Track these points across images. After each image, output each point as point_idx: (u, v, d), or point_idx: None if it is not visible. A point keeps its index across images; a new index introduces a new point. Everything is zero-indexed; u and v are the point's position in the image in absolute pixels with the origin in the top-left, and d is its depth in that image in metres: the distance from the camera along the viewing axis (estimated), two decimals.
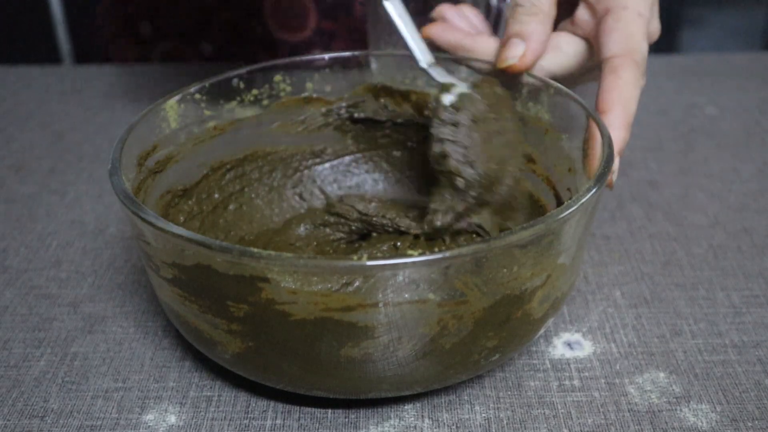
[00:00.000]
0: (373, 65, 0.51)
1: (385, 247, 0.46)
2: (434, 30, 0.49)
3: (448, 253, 0.31)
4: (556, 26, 0.48)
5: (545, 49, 0.46)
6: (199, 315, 0.36)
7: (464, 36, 0.48)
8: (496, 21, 0.58)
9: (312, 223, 0.49)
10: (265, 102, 0.50)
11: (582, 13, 0.47)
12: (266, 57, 0.74)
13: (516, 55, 0.44)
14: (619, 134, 0.41)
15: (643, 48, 0.44)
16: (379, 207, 0.48)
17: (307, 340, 0.34)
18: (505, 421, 0.38)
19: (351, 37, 0.73)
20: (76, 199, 0.57)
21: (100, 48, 0.80)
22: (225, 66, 0.75)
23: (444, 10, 0.50)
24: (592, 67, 0.49)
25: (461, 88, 0.44)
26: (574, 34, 0.48)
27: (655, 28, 0.47)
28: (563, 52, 0.47)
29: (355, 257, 0.31)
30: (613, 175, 0.42)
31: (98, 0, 0.78)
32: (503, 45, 0.45)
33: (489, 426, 0.38)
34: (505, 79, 0.45)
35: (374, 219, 0.47)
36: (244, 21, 0.73)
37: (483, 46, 0.48)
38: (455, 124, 0.43)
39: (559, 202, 0.44)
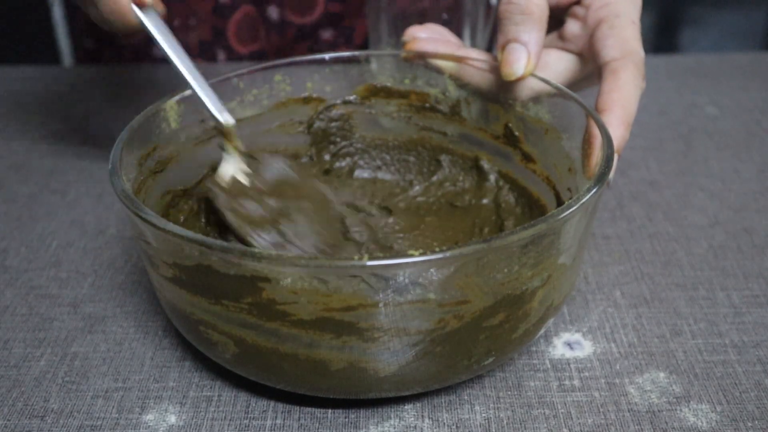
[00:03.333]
0: (373, 65, 0.51)
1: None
2: (420, 44, 0.48)
3: (449, 253, 0.32)
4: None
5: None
6: (200, 315, 0.36)
7: (457, 49, 0.48)
8: (496, 21, 0.58)
9: None
10: (265, 102, 0.50)
11: (572, 27, 0.47)
12: (277, 40, 0.75)
13: (522, 64, 0.44)
14: (617, 132, 0.41)
15: (641, 51, 0.44)
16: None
17: (307, 340, 0.34)
18: (505, 421, 0.38)
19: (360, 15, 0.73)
20: (76, 199, 0.57)
21: (100, 48, 0.80)
22: (225, 65, 0.76)
23: (414, 31, 0.49)
24: (582, 80, 0.49)
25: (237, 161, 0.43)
26: (564, 49, 0.48)
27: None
28: (553, 69, 0.47)
29: (355, 257, 0.31)
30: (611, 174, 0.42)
31: None
32: (503, 50, 0.44)
33: (489, 426, 0.38)
34: (506, 83, 0.45)
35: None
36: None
37: (474, 56, 0.48)
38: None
39: (560, 202, 0.44)
